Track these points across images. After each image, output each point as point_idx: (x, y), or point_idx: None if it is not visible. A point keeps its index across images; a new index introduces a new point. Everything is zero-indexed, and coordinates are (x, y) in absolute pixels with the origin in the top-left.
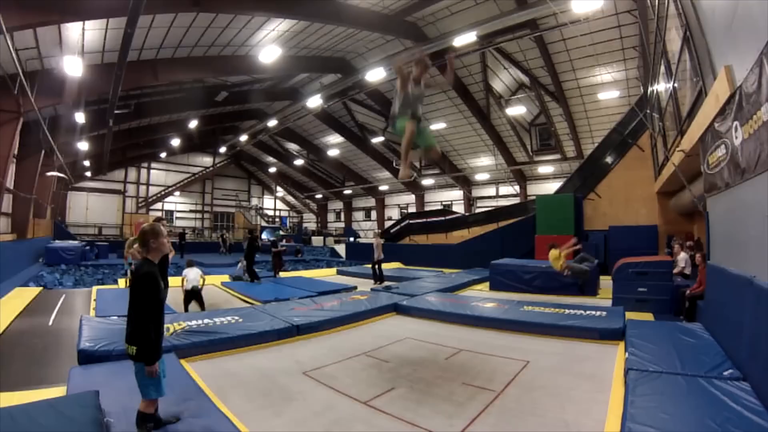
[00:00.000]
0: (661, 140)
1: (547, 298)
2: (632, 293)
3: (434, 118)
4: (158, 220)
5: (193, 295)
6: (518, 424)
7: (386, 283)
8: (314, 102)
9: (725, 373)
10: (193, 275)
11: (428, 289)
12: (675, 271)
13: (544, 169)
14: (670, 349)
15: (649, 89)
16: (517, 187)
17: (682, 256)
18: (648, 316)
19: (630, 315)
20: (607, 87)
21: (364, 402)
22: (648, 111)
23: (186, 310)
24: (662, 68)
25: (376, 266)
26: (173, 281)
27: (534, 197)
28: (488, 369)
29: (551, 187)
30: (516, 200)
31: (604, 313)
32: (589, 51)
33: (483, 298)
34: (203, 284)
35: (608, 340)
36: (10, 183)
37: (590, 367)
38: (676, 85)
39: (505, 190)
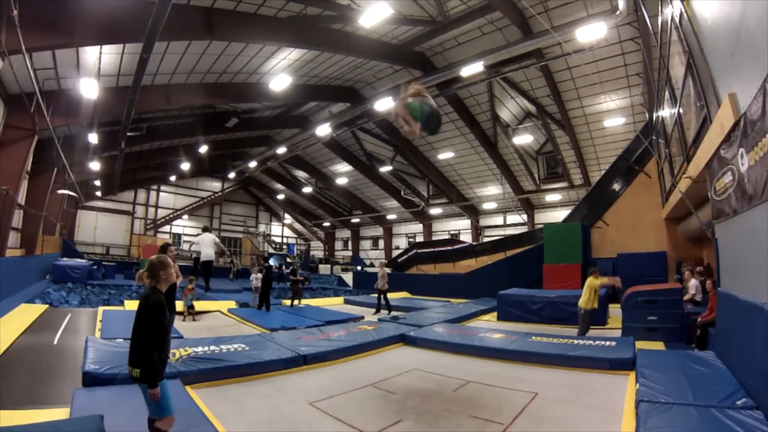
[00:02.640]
0: (667, 166)
1: (555, 328)
2: (642, 322)
3: (442, 147)
4: (166, 246)
5: (206, 265)
6: None
7: (393, 313)
8: (323, 130)
9: (738, 402)
10: (208, 248)
11: (435, 319)
12: (685, 297)
13: (551, 198)
14: (682, 378)
15: (654, 115)
16: (524, 216)
17: (693, 283)
18: (659, 345)
19: (640, 344)
20: (612, 114)
21: None
22: (654, 137)
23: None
24: (666, 94)
25: (382, 296)
26: (179, 306)
27: (541, 226)
28: (496, 401)
29: (559, 215)
30: (523, 229)
31: (614, 342)
32: (594, 79)
33: (490, 328)
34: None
35: (618, 370)
36: (21, 199)
37: (600, 398)
38: (680, 111)
39: (512, 218)
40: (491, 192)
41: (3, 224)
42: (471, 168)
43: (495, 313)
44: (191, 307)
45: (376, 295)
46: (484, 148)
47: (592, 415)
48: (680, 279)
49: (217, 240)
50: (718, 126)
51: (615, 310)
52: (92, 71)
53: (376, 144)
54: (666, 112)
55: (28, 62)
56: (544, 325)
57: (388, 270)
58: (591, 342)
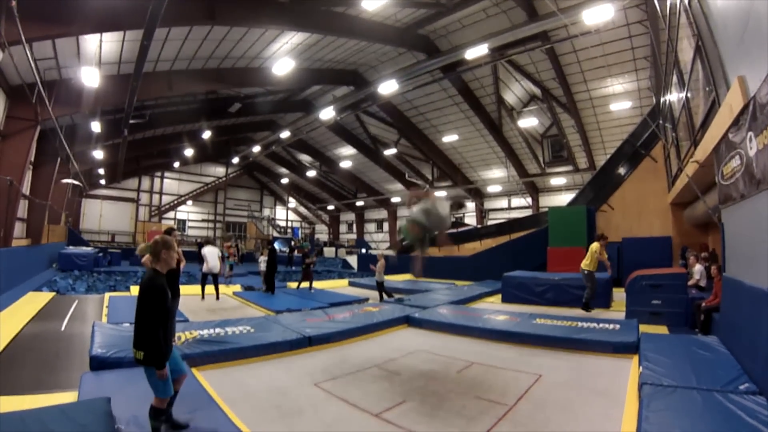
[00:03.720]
0: (674, 151)
1: (559, 310)
2: (646, 306)
3: (447, 130)
4: (170, 230)
5: (212, 276)
6: (547, 419)
7: (398, 296)
8: (327, 114)
9: (741, 387)
10: (213, 259)
11: (440, 301)
12: (690, 283)
13: (556, 181)
14: (685, 362)
15: (662, 100)
16: (529, 199)
17: (698, 268)
18: (662, 329)
19: (644, 328)
20: (618, 98)
21: (376, 414)
22: (661, 121)
23: (203, 287)
24: (674, 78)
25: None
26: (186, 290)
27: (546, 209)
28: (500, 383)
29: (564, 198)
30: (528, 212)
31: (618, 326)
32: (601, 62)
33: (495, 310)
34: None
35: (622, 353)
36: (26, 189)
37: (603, 381)
38: (688, 95)
39: (517, 202)
40: (496, 175)
41: (8, 215)
42: (475, 151)
43: (499, 295)
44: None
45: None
46: (489, 131)
47: (596, 397)
48: (685, 264)
49: (219, 254)
50: (727, 109)
51: (619, 294)
52: (93, 60)
53: (381, 127)
54: (673, 96)
55: (28, 53)
56: (549, 307)
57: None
58: (595, 325)
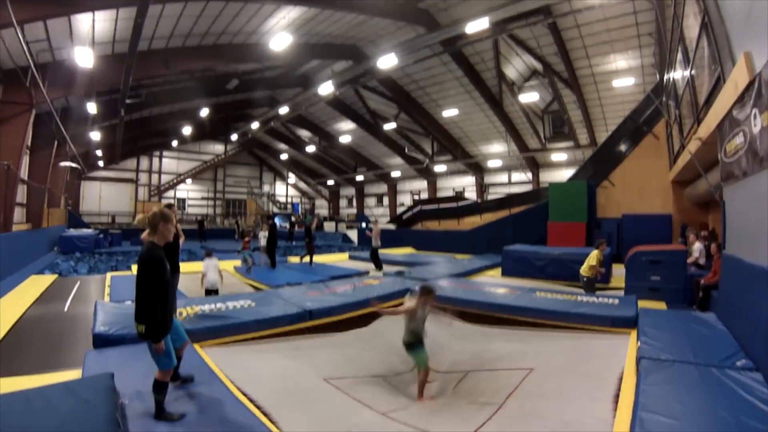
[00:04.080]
0: (676, 129)
1: (559, 285)
2: (645, 282)
3: (447, 104)
4: (169, 206)
5: (212, 293)
6: (536, 417)
7: (398, 269)
8: (326, 89)
9: (738, 363)
10: (212, 273)
11: (441, 274)
12: (689, 260)
13: (556, 157)
14: (683, 338)
15: (666, 77)
16: (529, 174)
17: (697, 246)
18: (661, 305)
19: (642, 303)
20: (621, 74)
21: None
22: (664, 99)
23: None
24: (679, 55)
25: (375, 254)
26: (186, 267)
27: (547, 184)
28: (504, 353)
29: (564, 174)
30: (528, 187)
31: (617, 301)
32: (604, 38)
33: (495, 283)
34: (222, 280)
35: (620, 328)
36: (24, 174)
37: (602, 354)
38: (693, 72)
39: (517, 177)
40: (496, 150)
41: (7, 200)
42: (476, 126)
43: (500, 269)
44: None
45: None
46: (490, 106)
47: (594, 369)
48: (685, 242)
49: (218, 267)
50: (732, 86)
51: (619, 270)
52: (86, 40)
53: (380, 101)
54: (678, 74)
55: (20, 35)
56: (549, 281)
57: (384, 225)
58: (594, 299)
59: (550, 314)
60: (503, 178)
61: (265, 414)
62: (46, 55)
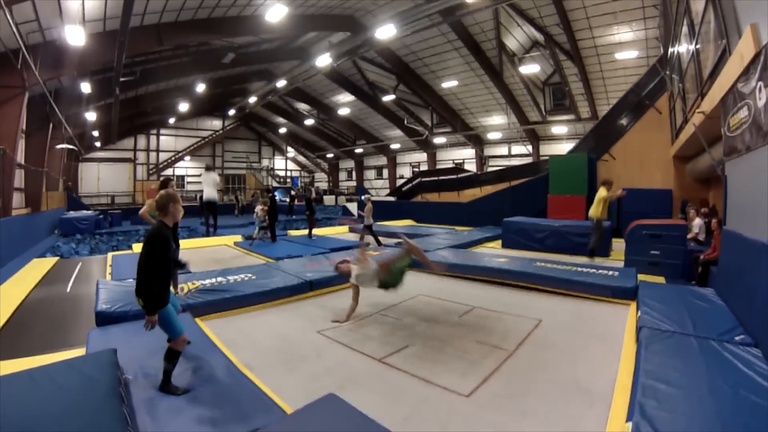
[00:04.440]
0: (680, 103)
1: (558, 257)
2: (645, 256)
3: (446, 75)
4: (167, 180)
5: (209, 206)
6: (531, 382)
7: (398, 240)
8: (323, 61)
9: (737, 338)
10: (209, 188)
11: (441, 245)
12: (689, 236)
13: (557, 130)
14: (683, 311)
15: (670, 50)
16: (529, 147)
17: (698, 222)
18: (660, 280)
19: (642, 277)
20: (624, 46)
21: (379, 359)
22: (668, 72)
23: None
24: (684, 28)
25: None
26: (188, 243)
27: (547, 157)
28: (501, 327)
29: (564, 147)
30: (528, 160)
31: (617, 272)
32: (607, 8)
33: (495, 255)
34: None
35: (620, 298)
36: (20, 158)
37: (602, 324)
38: (698, 46)
39: (517, 149)
40: (496, 122)
41: (5, 185)
42: (475, 97)
43: (500, 241)
44: (260, 230)
45: (381, 223)
46: (489, 77)
47: (595, 340)
48: (685, 218)
49: (217, 180)
50: (737, 58)
51: (618, 244)
52: (77, 18)
53: (378, 73)
54: (682, 47)
55: (8, 16)
56: (548, 253)
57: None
58: (594, 270)
59: (550, 280)
60: (503, 150)
61: (261, 378)
62: (37, 36)
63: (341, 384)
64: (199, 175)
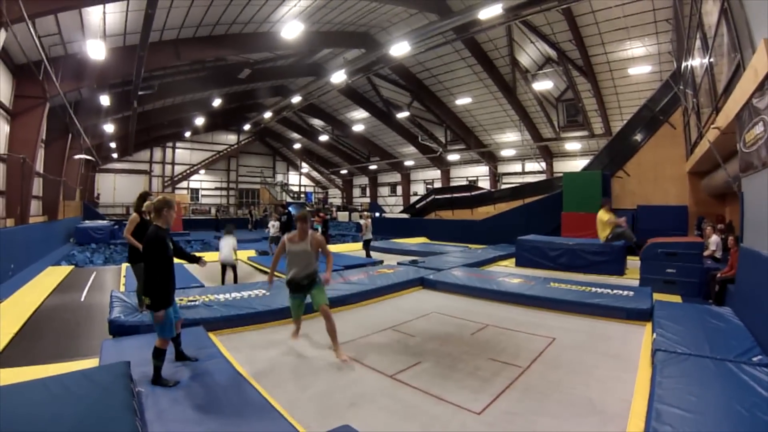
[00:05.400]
0: (694, 118)
1: (573, 275)
2: (660, 274)
3: (460, 92)
4: (145, 195)
5: (225, 268)
6: (544, 401)
7: (412, 258)
8: (338, 77)
9: (755, 359)
10: (226, 249)
11: (454, 263)
12: (705, 253)
13: (571, 146)
14: (699, 332)
15: (683, 64)
16: (543, 164)
17: (714, 239)
18: (676, 298)
19: (657, 296)
20: (637, 62)
21: (390, 376)
22: (682, 87)
23: (222, 281)
24: (697, 42)
25: (367, 245)
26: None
27: (561, 174)
28: (514, 345)
29: (578, 164)
30: (542, 177)
31: (632, 292)
32: (620, 24)
33: (509, 273)
34: (236, 258)
35: (635, 320)
36: (39, 167)
37: (616, 346)
38: (712, 60)
39: (531, 166)
40: (510, 139)
41: (24, 193)
42: (489, 114)
43: (513, 259)
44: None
45: (395, 240)
46: (503, 94)
47: (609, 361)
48: (701, 234)
49: (235, 245)
50: (752, 73)
51: (633, 263)
52: (98, 32)
53: (393, 90)
54: (696, 61)
55: (31, 29)
56: (562, 272)
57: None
58: (609, 291)
59: (564, 304)
60: (517, 167)
61: (273, 394)
62: (58, 49)
63: (353, 401)
64: (214, 189)
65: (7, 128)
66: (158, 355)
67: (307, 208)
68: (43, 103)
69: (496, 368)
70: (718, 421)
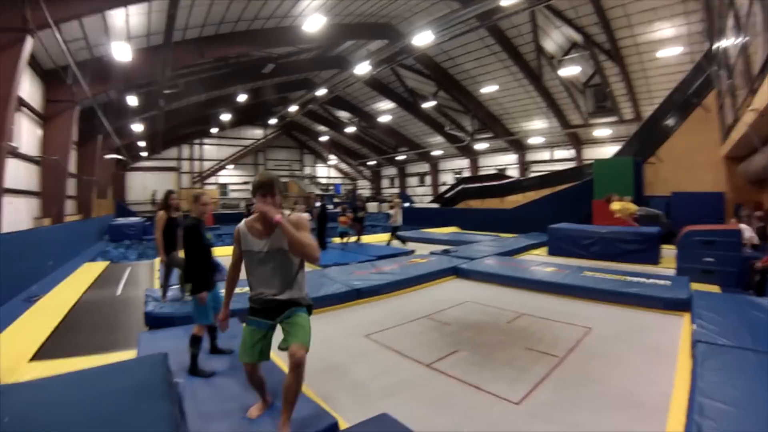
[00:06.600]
0: (728, 101)
1: (606, 264)
2: (698, 263)
3: (485, 81)
4: (168, 194)
5: None
6: (582, 392)
7: (444, 248)
8: (362, 69)
9: None
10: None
11: (486, 252)
12: (744, 241)
13: (600, 132)
14: (740, 323)
15: (715, 45)
16: (572, 151)
17: (744, 227)
18: (714, 288)
19: (695, 286)
20: (667, 43)
21: (427, 365)
22: (714, 68)
23: None
24: (730, 21)
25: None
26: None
27: (590, 161)
28: (550, 334)
29: (608, 151)
30: (571, 164)
31: (669, 282)
32: (647, 5)
33: (542, 262)
34: None
35: (673, 310)
36: (72, 167)
37: (654, 337)
38: (746, 39)
39: (560, 154)
40: (537, 126)
41: (59, 192)
42: (516, 101)
43: (545, 248)
44: (343, 234)
45: (425, 230)
46: (529, 81)
47: (647, 352)
48: (746, 220)
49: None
50: None
51: (668, 252)
52: (122, 35)
53: (418, 80)
54: (729, 41)
55: (58, 35)
56: (595, 260)
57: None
58: (645, 280)
59: (599, 293)
60: (545, 155)
61: (310, 384)
62: (84, 53)
63: (390, 391)
64: (242, 183)
65: (40, 132)
66: (195, 342)
67: (335, 200)
68: (72, 106)
69: (532, 358)
70: (763, 415)
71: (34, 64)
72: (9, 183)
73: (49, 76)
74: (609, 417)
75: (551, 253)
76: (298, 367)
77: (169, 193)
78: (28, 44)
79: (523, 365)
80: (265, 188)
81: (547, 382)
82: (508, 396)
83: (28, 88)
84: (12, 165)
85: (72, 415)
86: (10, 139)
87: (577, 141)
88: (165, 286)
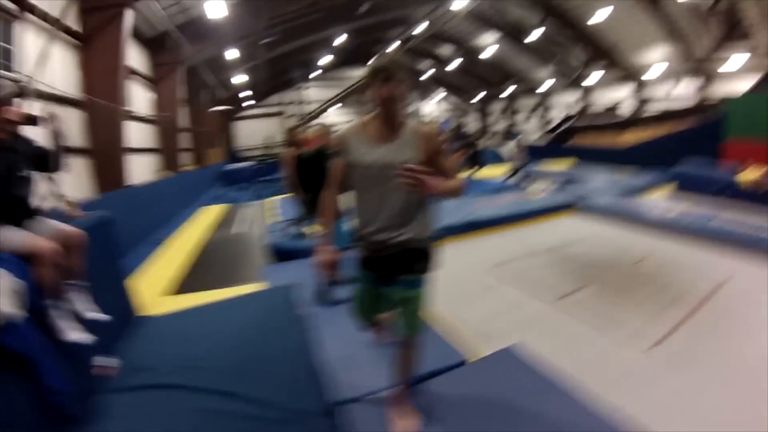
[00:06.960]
0: None
1: (737, 208)
2: None
3: (597, 6)
4: (295, 128)
5: None
6: (713, 350)
7: (562, 182)
8: (460, 2)
9: None
10: None
11: (606, 189)
12: None
13: (729, 65)
14: None
15: None
16: (695, 85)
17: None
18: None
19: None
20: None
21: (550, 303)
22: None
23: None
24: None
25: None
26: None
27: (716, 98)
28: (680, 282)
29: (738, 87)
30: (694, 101)
31: None
32: None
33: (667, 202)
34: None
35: None
36: (185, 122)
37: None
38: None
39: (680, 89)
40: (655, 58)
41: (173, 146)
42: (631, 30)
43: (668, 188)
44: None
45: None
46: (647, 4)
47: None
48: None
49: None
50: None
51: None
52: None
53: (522, 8)
54: None
55: (155, 3)
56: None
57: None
58: None
59: (737, 241)
60: (663, 90)
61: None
62: (181, 17)
63: (513, 327)
64: (347, 122)
65: (152, 95)
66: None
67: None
68: (177, 67)
69: (662, 304)
70: None
71: (139, 34)
72: (131, 143)
73: (154, 43)
74: (740, 381)
75: (675, 195)
76: (412, 347)
77: (294, 128)
78: (128, 16)
79: (651, 311)
80: (387, 71)
81: (678, 334)
82: (634, 344)
83: (136, 57)
84: (132, 127)
85: (211, 343)
86: (126, 104)
87: (702, 74)
88: (298, 220)
